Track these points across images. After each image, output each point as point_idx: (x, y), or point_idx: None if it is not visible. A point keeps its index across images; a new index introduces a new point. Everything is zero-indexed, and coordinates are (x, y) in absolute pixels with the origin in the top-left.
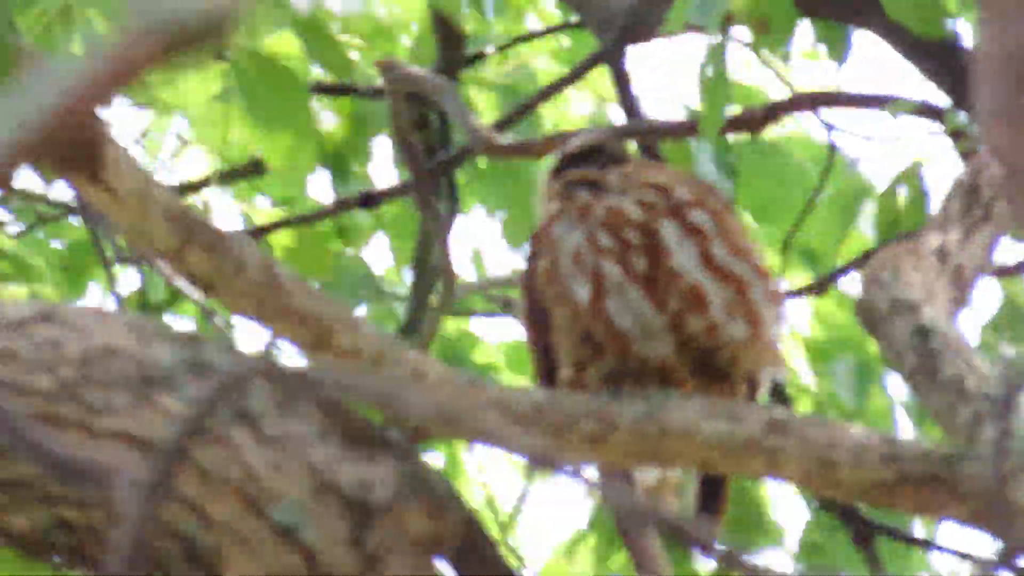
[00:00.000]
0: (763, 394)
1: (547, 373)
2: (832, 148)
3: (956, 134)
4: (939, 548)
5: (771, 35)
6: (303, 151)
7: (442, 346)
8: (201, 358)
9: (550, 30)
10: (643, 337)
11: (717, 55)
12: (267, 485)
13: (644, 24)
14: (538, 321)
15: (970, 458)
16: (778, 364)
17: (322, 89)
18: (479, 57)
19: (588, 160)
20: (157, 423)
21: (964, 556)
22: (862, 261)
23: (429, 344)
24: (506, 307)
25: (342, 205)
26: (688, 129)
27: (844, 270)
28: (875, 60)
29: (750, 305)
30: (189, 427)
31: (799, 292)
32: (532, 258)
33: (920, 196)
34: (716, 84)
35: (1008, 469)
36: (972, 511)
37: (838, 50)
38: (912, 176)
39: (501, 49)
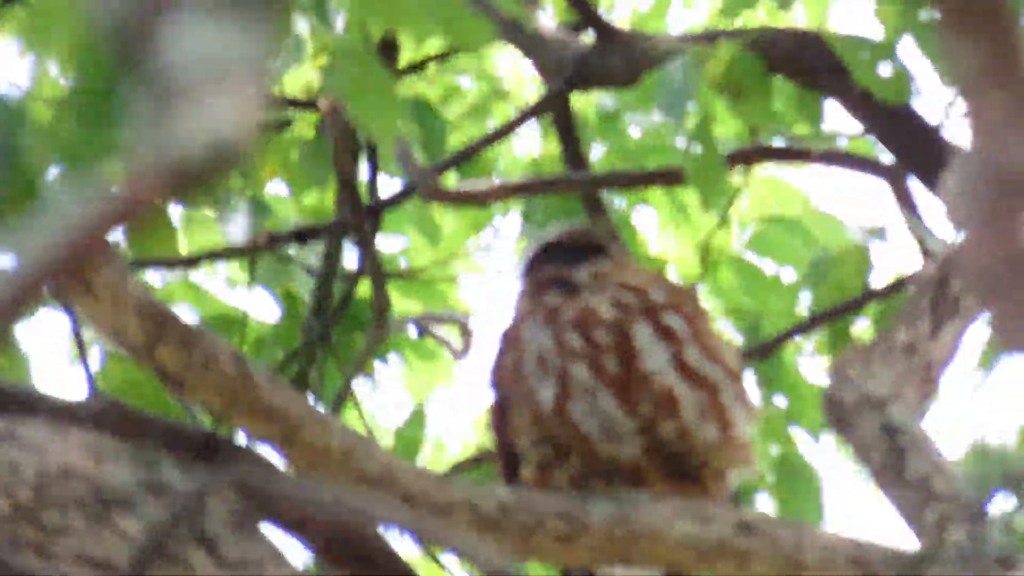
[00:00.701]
0: (730, 491)
1: (511, 469)
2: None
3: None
4: None
5: (747, 103)
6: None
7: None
8: (159, 478)
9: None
10: (611, 440)
11: (703, 136)
12: None
13: (593, 74)
14: (503, 418)
15: (937, 560)
16: (748, 464)
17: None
18: (414, 69)
19: (565, 253)
20: (115, 544)
21: None
22: (807, 326)
23: (355, 376)
24: (421, 333)
25: (276, 240)
26: (632, 180)
27: (789, 335)
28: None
29: (722, 408)
30: (146, 551)
31: (744, 355)
32: (500, 355)
33: (865, 268)
34: (706, 165)
35: (979, 572)
36: None
37: (814, 115)
38: (859, 254)
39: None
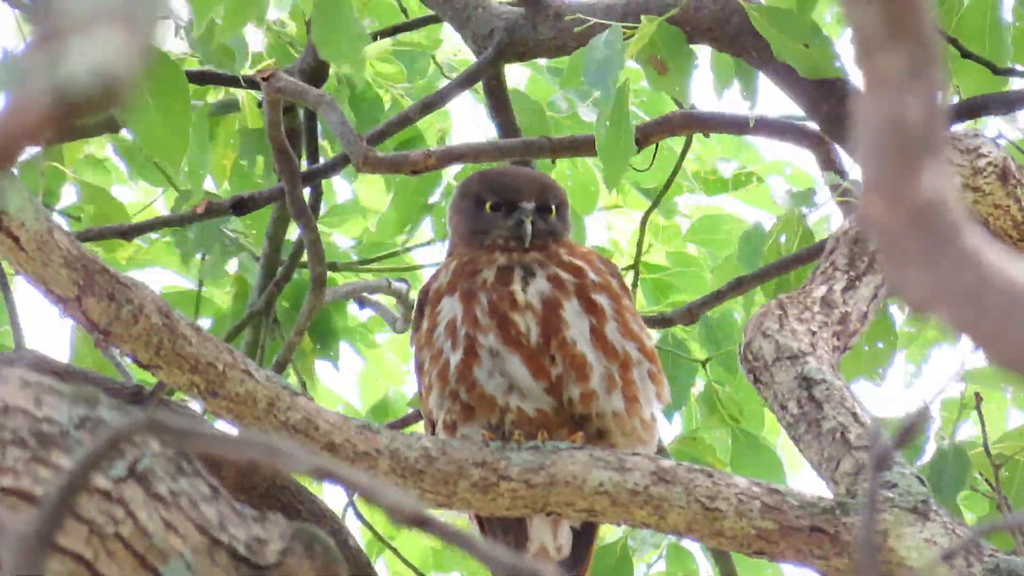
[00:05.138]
0: None
1: (431, 418)
2: (685, 146)
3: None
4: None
5: (670, 77)
6: (179, 148)
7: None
8: (95, 415)
9: (410, 25)
10: (519, 397)
11: (618, 111)
12: (158, 542)
13: (523, 41)
14: (421, 375)
15: (851, 509)
16: (647, 441)
17: (198, 77)
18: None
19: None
20: (51, 481)
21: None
22: (733, 289)
23: (298, 343)
24: (361, 305)
25: (213, 210)
26: (565, 146)
27: (716, 298)
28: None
29: (630, 382)
30: (72, 482)
31: (668, 320)
32: (418, 318)
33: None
34: (618, 135)
35: (888, 521)
36: (853, 563)
37: (750, 88)
38: (794, 223)
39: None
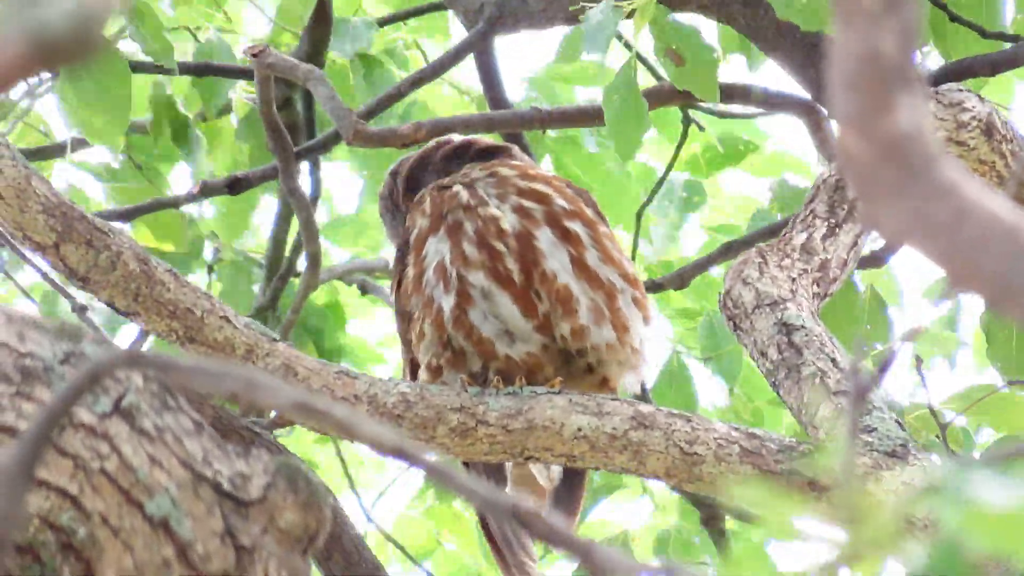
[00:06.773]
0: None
1: (414, 369)
2: (683, 134)
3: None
4: None
5: (689, 69)
6: (117, 130)
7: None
8: (79, 350)
9: (414, 12)
10: (510, 341)
11: (627, 79)
12: (142, 477)
13: (512, 14)
14: (405, 322)
15: (829, 452)
16: (639, 367)
17: (202, 69)
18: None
19: (455, 158)
20: (36, 415)
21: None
22: (723, 254)
23: (294, 323)
24: (363, 291)
25: (208, 190)
26: (556, 118)
27: (707, 263)
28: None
29: (617, 311)
30: (53, 415)
31: (660, 286)
32: (401, 267)
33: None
34: (628, 109)
35: (867, 465)
36: (831, 507)
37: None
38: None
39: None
